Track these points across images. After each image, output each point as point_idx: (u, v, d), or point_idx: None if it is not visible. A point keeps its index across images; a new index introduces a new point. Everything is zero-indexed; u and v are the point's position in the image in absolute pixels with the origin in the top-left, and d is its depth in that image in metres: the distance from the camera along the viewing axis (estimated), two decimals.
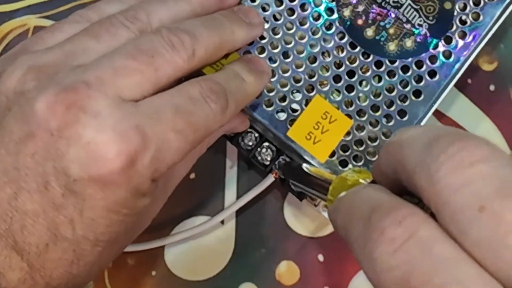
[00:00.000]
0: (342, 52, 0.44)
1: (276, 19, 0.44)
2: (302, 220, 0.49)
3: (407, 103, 0.44)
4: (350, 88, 0.43)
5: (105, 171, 0.34)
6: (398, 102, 0.44)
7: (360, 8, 0.44)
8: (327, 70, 0.44)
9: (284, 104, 0.44)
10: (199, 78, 0.39)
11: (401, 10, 0.44)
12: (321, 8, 0.44)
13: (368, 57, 0.44)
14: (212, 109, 0.37)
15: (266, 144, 0.47)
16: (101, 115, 0.34)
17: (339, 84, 0.44)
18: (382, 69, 0.44)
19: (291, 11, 0.44)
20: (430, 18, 0.44)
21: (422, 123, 0.44)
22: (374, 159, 0.44)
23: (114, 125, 0.34)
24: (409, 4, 0.44)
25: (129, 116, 0.35)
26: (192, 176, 0.50)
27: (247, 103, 0.42)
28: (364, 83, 0.44)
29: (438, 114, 0.50)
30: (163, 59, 0.37)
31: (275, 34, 0.44)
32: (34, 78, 0.36)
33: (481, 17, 0.44)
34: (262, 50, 0.44)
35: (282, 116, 0.44)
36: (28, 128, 0.34)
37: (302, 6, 0.44)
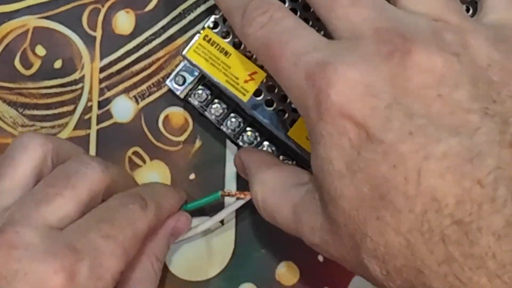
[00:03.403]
0: None
1: None
2: None
3: None
4: None
5: None
6: None
7: None
8: None
9: (285, 104, 0.44)
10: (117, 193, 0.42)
11: None
12: None
13: None
14: (131, 209, 0.41)
15: (267, 143, 0.47)
16: (32, 244, 0.37)
17: None
18: None
19: (294, 11, 0.44)
20: None
21: None
22: None
23: (45, 250, 0.36)
24: None
25: (57, 238, 0.37)
26: (192, 176, 0.50)
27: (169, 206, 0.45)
28: None
29: None
30: (78, 176, 0.40)
31: None
32: None
33: None
34: None
35: (283, 116, 0.44)
36: None
37: (305, 7, 0.44)
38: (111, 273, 0.38)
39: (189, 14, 0.51)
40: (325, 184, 0.34)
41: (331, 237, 0.35)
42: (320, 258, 0.49)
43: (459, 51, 0.33)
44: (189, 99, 0.47)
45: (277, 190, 0.40)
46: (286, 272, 0.49)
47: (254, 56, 0.44)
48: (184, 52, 0.45)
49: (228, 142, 0.50)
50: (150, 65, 0.51)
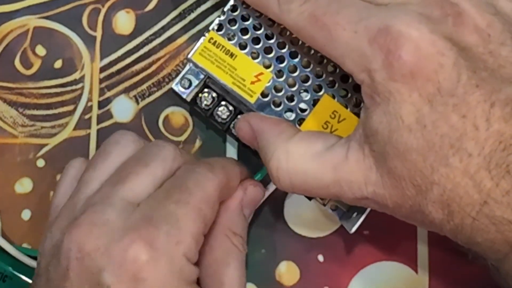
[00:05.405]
0: None
1: None
2: (302, 220, 0.49)
3: None
4: (358, 87, 0.43)
5: (133, 267, 0.37)
6: None
7: None
8: (335, 70, 0.44)
9: (292, 104, 0.44)
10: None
11: None
12: None
13: None
14: (198, 172, 0.41)
15: None
16: (110, 221, 0.38)
17: (347, 83, 0.44)
18: None
19: None
20: None
21: None
22: None
23: (122, 224, 0.38)
24: None
25: (133, 212, 0.39)
26: None
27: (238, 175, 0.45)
28: None
29: None
30: (151, 155, 0.42)
31: (282, 34, 0.44)
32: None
33: None
34: (270, 50, 0.44)
35: (291, 115, 0.44)
36: (62, 264, 0.38)
37: None
38: (190, 235, 0.39)
39: (189, 14, 0.51)
40: (392, 140, 0.36)
41: (388, 189, 0.37)
42: (320, 258, 0.49)
43: (495, 11, 0.38)
44: (196, 102, 0.46)
45: (308, 156, 0.40)
46: (286, 272, 0.49)
47: (260, 57, 0.44)
48: (189, 56, 0.44)
49: (228, 142, 0.50)
50: (150, 65, 0.51)
